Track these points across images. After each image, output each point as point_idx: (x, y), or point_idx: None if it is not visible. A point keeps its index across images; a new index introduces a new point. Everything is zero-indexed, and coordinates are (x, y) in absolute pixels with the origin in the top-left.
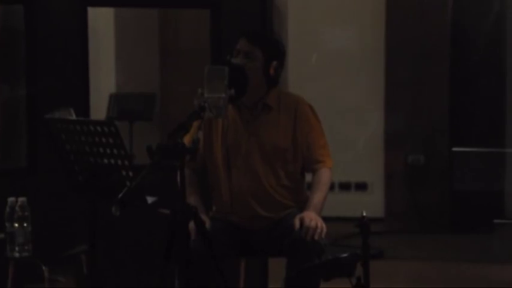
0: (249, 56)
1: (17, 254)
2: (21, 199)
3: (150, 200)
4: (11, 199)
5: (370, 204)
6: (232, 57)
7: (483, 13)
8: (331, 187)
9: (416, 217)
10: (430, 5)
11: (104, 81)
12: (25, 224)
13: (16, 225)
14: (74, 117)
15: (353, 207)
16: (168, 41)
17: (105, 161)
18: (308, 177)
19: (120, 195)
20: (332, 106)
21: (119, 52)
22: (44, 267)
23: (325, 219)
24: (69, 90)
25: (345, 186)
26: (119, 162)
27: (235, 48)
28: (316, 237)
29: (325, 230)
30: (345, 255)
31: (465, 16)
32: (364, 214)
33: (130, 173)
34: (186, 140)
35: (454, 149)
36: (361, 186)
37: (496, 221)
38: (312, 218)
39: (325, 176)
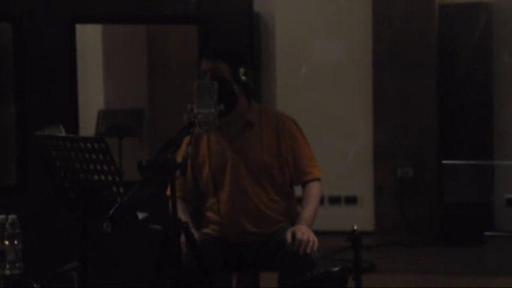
0: (215, 71)
1: (7, 272)
2: (11, 216)
3: (141, 215)
4: (1, 216)
5: (360, 218)
6: (200, 79)
7: (470, 25)
8: (321, 201)
9: (407, 230)
10: (416, 17)
11: (92, 97)
12: (16, 242)
13: (6, 242)
14: (63, 134)
15: (343, 221)
16: (156, 57)
17: (96, 177)
18: (298, 191)
19: (111, 212)
20: (320, 119)
21: (107, 68)
22: (35, 285)
23: (315, 233)
24: (58, 108)
25: (334, 200)
26: (110, 178)
27: (201, 71)
28: (308, 250)
29: (317, 243)
30: (336, 269)
31: (452, 28)
32: (355, 228)
33: (121, 189)
34: (177, 155)
35: (444, 161)
36: (351, 200)
37: (486, 233)
38: (303, 231)
39: (314, 188)
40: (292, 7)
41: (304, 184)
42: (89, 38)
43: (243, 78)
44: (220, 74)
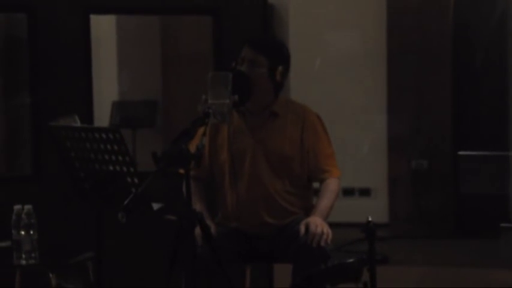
0: (254, 63)
1: (23, 262)
2: (27, 207)
3: (155, 206)
4: (17, 207)
5: (374, 210)
6: (237, 65)
7: (485, 15)
8: None
9: (421, 222)
10: (431, 7)
11: (106, 88)
12: (31, 232)
13: (22, 232)
14: (78, 124)
15: (357, 212)
16: (169, 48)
17: (110, 167)
18: (315, 184)
19: (126, 202)
20: (334, 111)
21: (121, 59)
22: (50, 275)
23: (329, 225)
24: (73, 98)
25: (348, 192)
26: (124, 168)
27: (239, 57)
28: (321, 243)
29: (330, 235)
30: (351, 260)
31: (467, 18)
32: (370, 219)
33: (136, 180)
34: (191, 146)
35: (460, 152)
36: (365, 192)
37: (502, 225)
38: (317, 223)
39: (333, 185)
40: None
41: (321, 181)
42: (103, 29)
43: (278, 77)
44: (258, 67)
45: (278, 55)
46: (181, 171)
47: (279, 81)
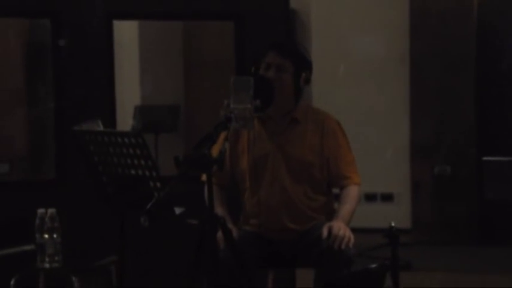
0: (281, 68)
1: (47, 265)
2: (50, 210)
3: (178, 210)
4: (40, 210)
5: (396, 215)
6: (260, 70)
7: (510, 19)
8: None
9: (444, 228)
10: (455, 11)
11: (128, 93)
12: (55, 235)
13: (46, 236)
14: (101, 128)
15: (379, 218)
16: (192, 52)
17: (133, 172)
18: (335, 189)
19: (148, 206)
20: (356, 116)
21: (143, 64)
22: (73, 278)
23: (351, 230)
24: (96, 103)
25: (370, 197)
26: (147, 173)
27: (264, 61)
28: (343, 246)
29: (352, 239)
30: (374, 265)
31: (491, 22)
32: (393, 225)
33: (158, 184)
34: (214, 150)
35: (485, 158)
36: (387, 197)
37: None
38: (340, 227)
39: (353, 191)
40: (328, 4)
41: (342, 187)
42: (126, 34)
43: (302, 83)
44: (284, 72)
45: (303, 61)
46: (203, 178)
47: (302, 87)
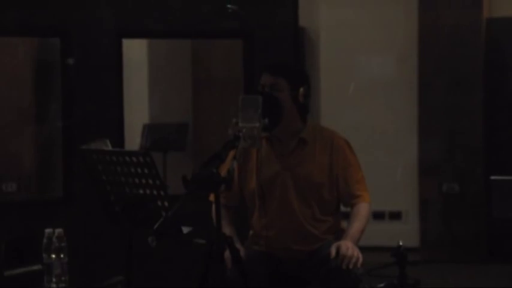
0: (275, 87)
1: (54, 285)
2: (58, 230)
3: (185, 230)
4: (48, 230)
5: (404, 234)
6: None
7: None
8: None
9: (452, 246)
10: (463, 31)
11: (137, 111)
12: (62, 255)
13: (53, 256)
14: (109, 147)
15: (387, 236)
16: (200, 71)
17: (141, 191)
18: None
19: (156, 226)
20: (365, 134)
21: (152, 82)
22: None
23: (359, 248)
24: (104, 121)
25: (378, 216)
26: (155, 192)
27: (259, 84)
28: (351, 266)
29: (361, 259)
30: (381, 285)
31: (500, 43)
32: (401, 243)
33: (166, 203)
34: (222, 169)
35: (492, 177)
36: (395, 215)
37: None
38: (348, 246)
39: (364, 209)
40: (336, 22)
41: (352, 206)
42: (135, 52)
43: (301, 99)
44: (279, 91)
45: (298, 77)
46: (211, 198)
47: (302, 102)
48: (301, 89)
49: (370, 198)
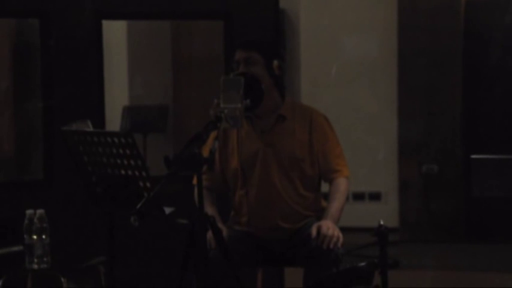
0: (249, 61)
1: (35, 266)
2: (39, 211)
3: (167, 210)
4: (29, 211)
5: (384, 214)
6: (234, 71)
7: (496, 19)
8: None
9: (432, 226)
10: (442, 11)
11: (117, 93)
12: (43, 236)
13: (35, 237)
14: (91, 128)
15: (367, 217)
16: (180, 52)
17: (123, 172)
18: (324, 186)
19: (138, 206)
20: (345, 115)
21: (132, 64)
22: (62, 279)
23: (340, 229)
24: (85, 103)
25: (358, 196)
26: (136, 173)
27: (234, 61)
28: (331, 246)
29: (341, 239)
30: (362, 264)
31: (478, 22)
32: (382, 223)
33: (148, 184)
34: (204, 150)
35: (472, 156)
36: (375, 196)
37: None
38: (329, 226)
39: (342, 185)
40: (316, 4)
41: (331, 181)
42: (114, 34)
43: (277, 71)
44: (253, 65)
45: (271, 49)
46: (194, 182)
47: (278, 75)
48: (275, 61)
49: (350, 176)
